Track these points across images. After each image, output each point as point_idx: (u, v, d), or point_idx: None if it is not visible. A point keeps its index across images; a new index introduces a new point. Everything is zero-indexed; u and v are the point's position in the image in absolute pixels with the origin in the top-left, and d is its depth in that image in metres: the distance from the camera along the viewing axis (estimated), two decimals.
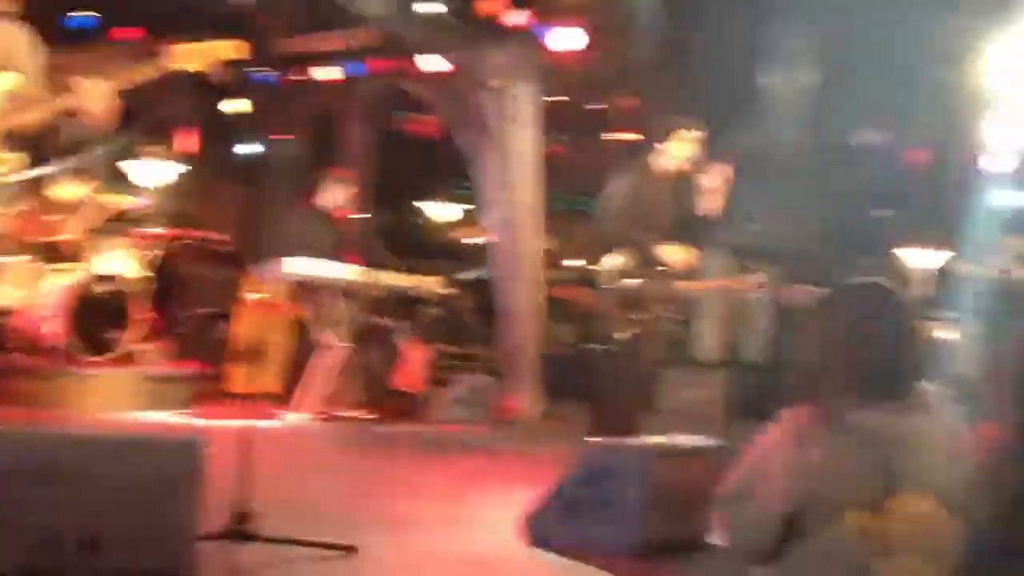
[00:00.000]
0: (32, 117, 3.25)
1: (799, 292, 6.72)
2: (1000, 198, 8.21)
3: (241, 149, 12.98)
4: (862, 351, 2.05)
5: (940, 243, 9.31)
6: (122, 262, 7.71)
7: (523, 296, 9.08)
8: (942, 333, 5.99)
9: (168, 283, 9.03)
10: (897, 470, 1.92)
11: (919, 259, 10.79)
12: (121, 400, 7.06)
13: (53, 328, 7.04)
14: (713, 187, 5.57)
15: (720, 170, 5.60)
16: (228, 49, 3.46)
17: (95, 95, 3.27)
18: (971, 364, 5.81)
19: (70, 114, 3.43)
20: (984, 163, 8.31)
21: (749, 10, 10.93)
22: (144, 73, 3.38)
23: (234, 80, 9.57)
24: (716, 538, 2.09)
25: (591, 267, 5.64)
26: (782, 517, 1.96)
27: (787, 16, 11.35)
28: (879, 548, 1.89)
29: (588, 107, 16.62)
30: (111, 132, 5.25)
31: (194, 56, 3.40)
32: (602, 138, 17.36)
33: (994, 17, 7.89)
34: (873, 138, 11.55)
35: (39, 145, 3.56)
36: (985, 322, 6.17)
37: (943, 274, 9.02)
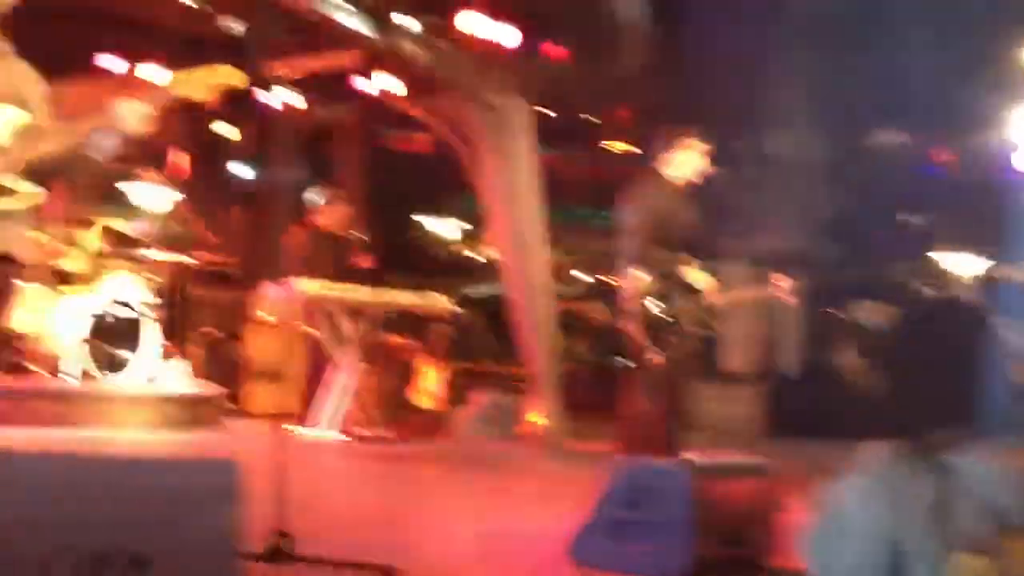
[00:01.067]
0: (45, 148, 3.25)
1: (866, 309, 6.62)
2: None
3: (239, 171, 12.97)
4: (952, 379, 1.96)
5: (980, 246, 8.92)
6: (133, 287, 7.69)
7: (534, 310, 9.05)
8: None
9: (177, 307, 9.00)
10: (1003, 510, 1.82)
11: (961, 264, 10.15)
12: (138, 422, 7.01)
13: (71, 351, 7.01)
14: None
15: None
16: (229, 76, 3.46)
17: (132, 117, 3.29)
18: None
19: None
20: (1016, 161, 8.14)
21: (747, 12, 10.93)
22: (156, 101, 3.37)
23: (224, 102, 9.52)
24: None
25: (605, 281, 5.56)
26: (881, 559, 1.85)
27: (793, 17, 11.32)
28: None
29: (584, 119, 16.67)
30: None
31: (197, 84, 3.41)
32: (601, 149, 17.41)
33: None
34: (893, 138, 11.40)
35: (61, 172, 3.54)
36: None
37: (988, 279, 8.75)
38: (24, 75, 3.37)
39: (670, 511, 3.46)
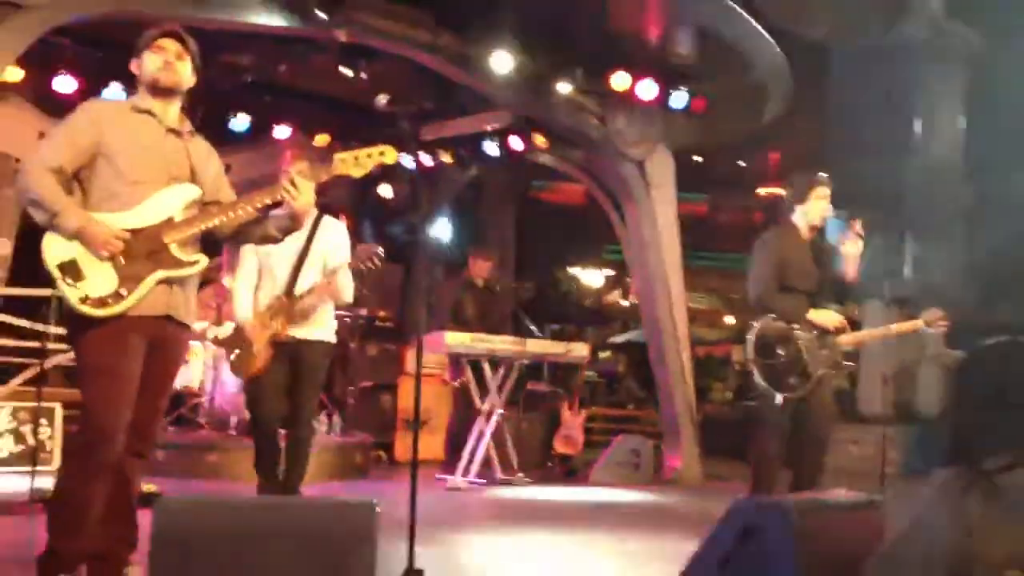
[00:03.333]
0: (214, 222, 3.65)
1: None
2: None
3: (394, 229, 13.62)
4: (1012, 410, 2.07)
5: None
6: None
7: (673, 356, 9.20)
8: None
9: (333, 359, 9.51)
10: None
11: None
12: None
13: (236, 405, 7.56)
14: (853, 254, 5.51)
15: (855, 237, 5.54)
16: (384, 155, 3.84)
17: (304, 195, 3.69)
18: None
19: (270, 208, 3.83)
20: None
21: (889, 58, 10.81)
22: (319, 177, 3.77)
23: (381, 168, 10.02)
24: None
25: (750, 325, 5.60)
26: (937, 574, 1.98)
27: (934, 59, 11.10)
28: None
29: (737, 164, 16.68)
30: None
31: (358, 162, 3.80)
32: (750, 194, 17.33)
33: None
34: None
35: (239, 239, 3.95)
36: None
37: None
38: (200, 152, 3.80)
39: (775, 547, 3.56)
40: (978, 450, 2.10)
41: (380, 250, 5.47)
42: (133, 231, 3.49)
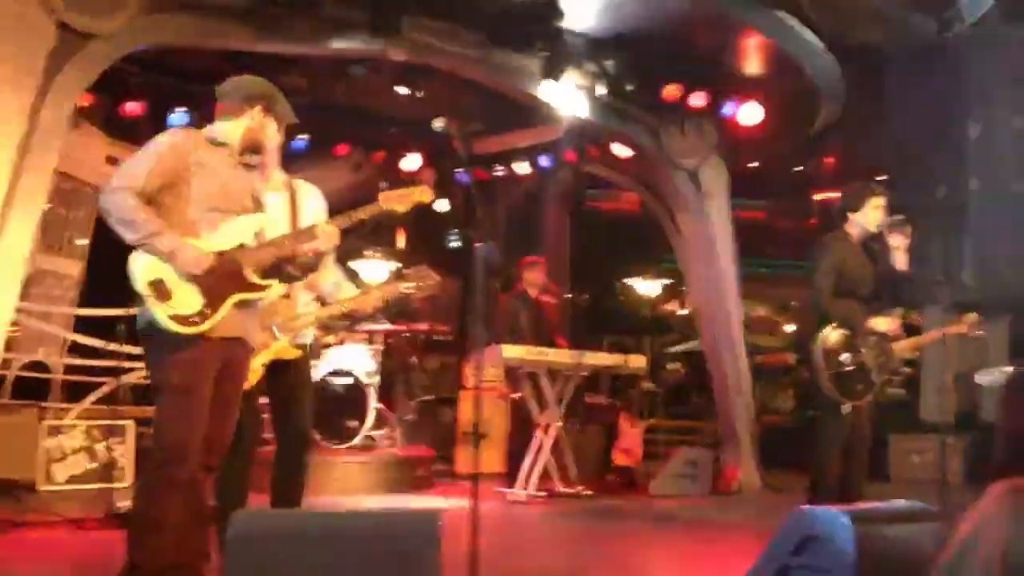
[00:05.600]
0: (280, 253, 3.83)
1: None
2: None
3: (450, 243, 13.78)
4: None
5: None
6: (355, 357, 8.36)
7: (730, 365, 9.19)
8: None
9: (394, 373, 9.68)
10: None
11: None
12: (361, 483, 7.63)
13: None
14: (899, 246, 5.54)
15: (902, 230, 5.56)
16: (422, 194, 4.15)
17: (329, 238, 3.93)
18: None
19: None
20: None
21: (941, 59, 10.71)
22: (362, 215, 4.00)
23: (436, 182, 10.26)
24: None
25: (808, 334, 5.64)
26: None
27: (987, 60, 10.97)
28: None
29: (794, 171, 16.57)
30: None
31: (398, 200, 4.03)
32: (807, 200, 17.20)
33: None
34: None
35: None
36: None
37: None
38: (261, 186, 4.01)
39: (833, 557, 3.58)
40: None
41: (434, 276, 4.89)
42: (214, 254, 3.65)
